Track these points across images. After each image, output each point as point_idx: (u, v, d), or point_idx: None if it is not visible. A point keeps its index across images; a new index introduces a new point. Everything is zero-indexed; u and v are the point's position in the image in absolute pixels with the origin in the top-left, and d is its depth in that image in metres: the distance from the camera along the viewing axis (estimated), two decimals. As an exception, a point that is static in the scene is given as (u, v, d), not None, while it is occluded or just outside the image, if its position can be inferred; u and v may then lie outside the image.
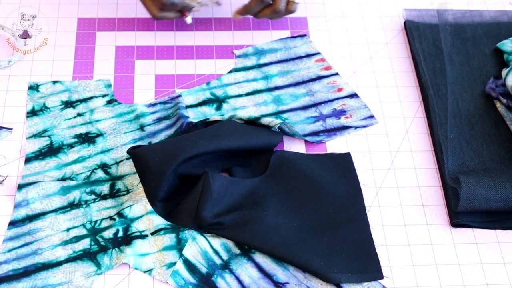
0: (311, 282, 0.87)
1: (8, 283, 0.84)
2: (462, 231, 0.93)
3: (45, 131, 0.98)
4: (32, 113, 1.00)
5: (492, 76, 1.07)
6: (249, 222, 0.89)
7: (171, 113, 1.01)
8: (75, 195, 0.92)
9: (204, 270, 0.87)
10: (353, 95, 1.06)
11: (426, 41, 1.11)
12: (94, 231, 0.89)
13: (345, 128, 1.02)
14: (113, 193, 0.93)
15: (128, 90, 1.04)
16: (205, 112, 1.02)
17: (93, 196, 0.92)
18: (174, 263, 0.87)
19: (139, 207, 0.90)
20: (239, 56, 1.09)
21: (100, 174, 0.95)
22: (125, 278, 0.86)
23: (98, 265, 0.86)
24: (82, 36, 1.10)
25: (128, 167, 0.95)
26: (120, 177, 0.94)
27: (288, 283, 0.86)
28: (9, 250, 0.87)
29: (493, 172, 0.94)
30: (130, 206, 0.90)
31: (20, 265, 0.86)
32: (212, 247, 0.89)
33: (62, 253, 0.87)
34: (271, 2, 1.07)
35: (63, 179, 0.94)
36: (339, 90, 1.06)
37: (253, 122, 0.99)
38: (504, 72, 1.03)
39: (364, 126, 1.03)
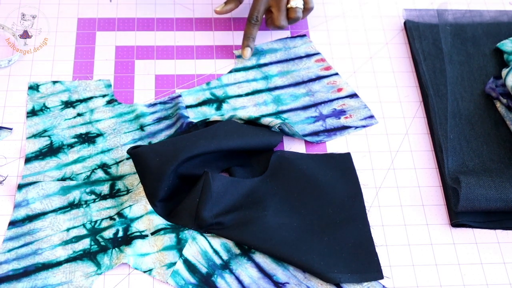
0: (311, 282, 0.87)
1: (8, 283, 0.84)
2: (462, 231, 0.93)
3: (45, 131, 0.98)
4: (32, 113, 1.00)
5: (492, 76, 1.07)
6: (249, 222, 0.89)
7: (171, 113, 1.01)
8: (75, 195, 0.92)
9: (204, 270, 0.87)
10: (353, 95, 1.06)
11: (426, 41, 1.11)
12: (94, 231, 0.89)
13: (345, 128, 1.02)
14: (113, 193, 0.93)
15: (128, 90, 1.04)
16: (205, 112, 1.02)
17: (93, 196, 0.92)
18: (174, 263, 0.87)
19: (139, 207, 0.90)
20: (239, 56, 1.09)
21: (100, 174, 0.95)
22: (125, 278, 0.86)
23: (98, 265, 0.86)
24: (82, 36, 1.10)
25: (128, 167, 0.95)
26: (120, 177, 0.94)
27: (288, 283, 0.86)
28: (9, 250, 0.87)
29: (493, 172, 0.94)
30: (130, 206, 0.90)
31: (20, 265, 0.86)
32: (212, 247, 0.89)
33: (62, 253, 0.87)
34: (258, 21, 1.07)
35: (63, 179, 0.94)
36: (339, 90, 1.06)
37: (253, 122, 0.99)
38: (504, 72, 1.03)
39: (364, 126, 1.03)
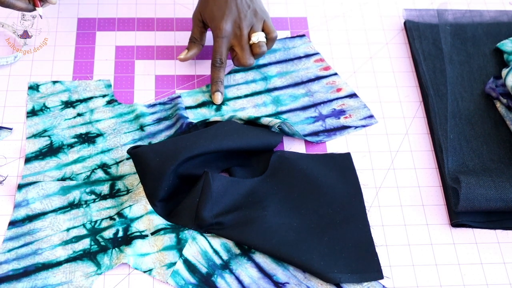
0: (311, 282, 0.87)
1: (8, 283, 0.84)
2: (462, 231, 0.93)
3: (45, 131, 0.98)
4: (32, 113, 1.00)
5: (492, 76, 1.07)
6: (249, 222, 0.89)
7: (171, 113, 1.01)
8: (75, 195, 0.92)
9: (204, 270, 0.87)
10: (352, 95, 1.06)
11: (426, 41, 1.11)
12: (94, 231, 0.89)
13: (344, 128, 1.02)
14: (113, 193, 0.93)
15: (128, 90, 1.04)
16: (205, 113, 1.02)
17: (93, 196, 0.92)
18: (174, 263, 0.87)
19: (139, 207, 0.90)
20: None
21: (100, 174, 0.95)
22: (125, 278, 0.86)
23: (98, 265, 0.86)
24: (82, 36, 1.10)
25: (128, 167, 0.95)
26: (120, 177, 0.94)
27: (288, 283, 0.86)
28: (9, 250, 0.87)
29: (493, 172, 0.94)
30: (130, 206, 0.90)
31: (20, 265, 0.86)
32: (212, 247, 0.89)
33: (62, 253, 0.87)
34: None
35: (63, 179, 0.94)
36: (338, 90, 1.06)
37: (253, 122, 0.99)
38: (504, 72, 1.03)
39: (363, 126, 1.03)
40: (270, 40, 1.05)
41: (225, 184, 0.91)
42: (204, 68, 1.08)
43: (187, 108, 1.02)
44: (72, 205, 0.91)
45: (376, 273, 0.87)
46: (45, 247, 0.87)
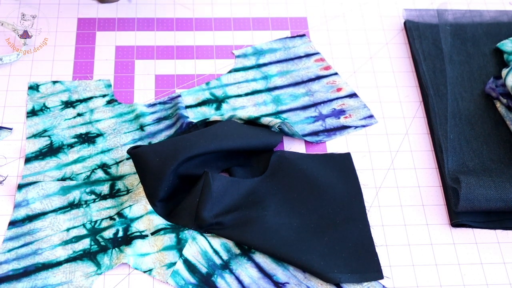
0: (311, 282, 0.87)
1: (8, 283, 0.84)
2: (462, 231, 0.93)
3: (45, 131, 0.98)
4: (32, 113, 1.00)
5: (492, 76, 1.07)
6: (249, 222, 0.89)
7: (171, 113, 1.01)
8: (75, 195, 0.92)
9: (204, 270, 0.87)
10: (353, 95, 1.06)
11: (426, 41, 1.11)
12: (94, 231, 0.89)
13: (344, 128, 1.02)
14: (113, 193, 0.93)
15: (128, 90, 1.04)
16: (205, 112, 1.02)
17: (93, 196, 0.92)
18: (174, 263, 0.87)
19: (139, 207, 0.90)
20: (238, 56, 1.09)
21: (100, 174, 0.95)
22: (125, 278, 0.86)
23: (98, 265, 0.86)
24: (82, 36, 1.10)
25: (128, 167, 0.95)
26: (120, 177, 0.94)
27: (288, 283, 0.86)
28: (9, 250, 0.87)
29: (493, 172, 0.94)
30: (130, 206, 0.90)
31: (20, 265, 0.86)
32: (212, 247, 0.89)
33: (62, 253, 0.87)
34: None
35: (63, 179, 0.94)
36: (339, 90, 1.06)
37: (253, 122, 0.99)
38: (504, 72, 1.03)
39: (363, 126, 1.03)
40: None
41: (225, 184, 0.91)
42: (204, 67, 1.08)
43: (187, 107, 1.02)
44: (72, 205, 0.91)
45: (376, 273, 0.87)
46: (45, 247, 0.87)
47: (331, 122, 1.02)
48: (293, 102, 1.05)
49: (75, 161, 0.96)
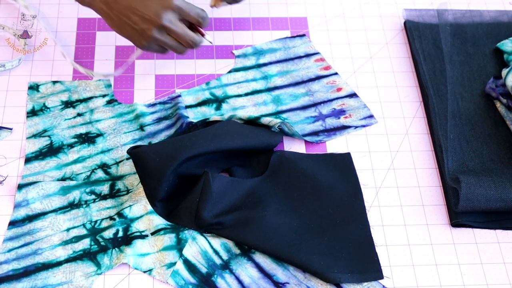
0: (311, 282, 0.87)
1: (8, 283, 0.84)
2: (462, 231, 0.93)
3: (45, 131, 0.98)
4: (32, 113, 1.00)
5: (492, 76, 1.07)
6: (249, 222, 0.89)
7: (171, 113, 1.01)
8: (75, 195, 0.92)
9: (204, 270, 0.87)
10: (353, 95, 1.06)
11: (426, 41, 1.11)
12: (94, 231, 0.89)
13: (344, 128, 1.02)
14: (113, 193, 0.93)
15: (128, 90, 1.04)
16: (205, 112, 1.02)
17: (93, 196, 0.92)
18: (174, 263, 0.87)
19: (139, 207, 0.90)
20: (238, 56, 1.09)
21: (100, 174, 0.95)
22: (125, 278, 0.86)
23: (98, 265, 0.86)
24: (82, 36, 1.10)
25: (128, 167, 0.95)
26: (120, 177, 0.94)
27: (288, 283, 0.86)
28: (9, 250, 0.87)
29: (493, 172, 0.94)
30: (130, 206, 0.90)
31: (20, 265, 0.86)
32: (212, 247, 0.89)
33: (62, 253, 0.87)
34: None
35: (63, 179, 0.94)
36: (339, 89, 1.06)
37: (253, 122, 0.99)
38: (504, 72, 1.03)
39: (363, 126, 1.03)
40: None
41: (225, 184, 0.91)
42: (204, 67, 1.08)
43: (187, 107, 1.02)
44: (72, 205, 0.91)
45: (376, 273, 0.87)
46: (45, 247, 0.87)
47: (331, 122, 1.02)
48: (293, 102, 1.05)
49: (75, 161, 0.96)
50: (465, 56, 1.10)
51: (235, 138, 0.93)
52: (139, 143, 0.98)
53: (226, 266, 0.87)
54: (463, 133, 1.00)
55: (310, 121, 1.02)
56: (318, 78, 1.08)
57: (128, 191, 0.93)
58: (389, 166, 0.99)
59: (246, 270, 0.87)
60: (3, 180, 0.93)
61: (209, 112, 1.02)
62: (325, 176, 0.95)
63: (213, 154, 0.93)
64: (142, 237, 0.88)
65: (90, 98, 1.02)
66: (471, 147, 0.99)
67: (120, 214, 0.90)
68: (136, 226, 0.89)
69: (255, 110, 1.03)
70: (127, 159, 0.96)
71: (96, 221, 0.90)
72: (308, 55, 1.10)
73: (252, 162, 0.97)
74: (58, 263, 0.86)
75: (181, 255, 0.87)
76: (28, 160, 0.95)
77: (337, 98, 1.05)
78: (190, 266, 0.87)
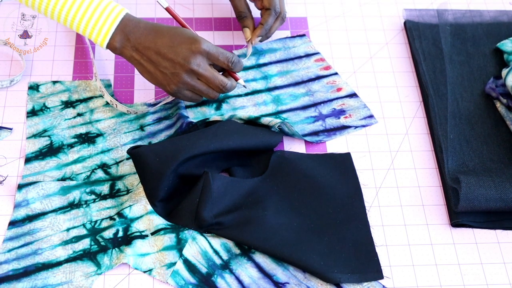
0: (311, 282, 0.87)
1: (8, 283, 0.84)
2: (462, 231, 0.93)
3: (45, 131, 0.98)
4: (32, 113, 1.00)
5: (492, 76, 1.07)
6: (249, 222, 0.89)
7: (171, 113, 1.01)
8: (75, 195, 0.92)
9: (204, 270, 0.87)
10: (353, 95, 1.06)
11: (426, 41, 1.11)
12: (94, 231, 0.89)
13: (344, 127, 1.02)
14: (113, 193, 0.93)
15: (128, 90, 1.04)
16: (205, 112, 1.02)
17: (93, 196, 0.92)
18: (174, 263, 0.87)
19: (139, 207, 0.90)
20: (239, 56, 1.09)
21: (100, 174, 0.95)
22: (125, 278, 0.86)
23: (98, 265, 0.86)
24: (82, 36, 1.10)
25: (128, 167, 0.95)
26: (120, 177, 0.94)
27: (288, 283, 0.86)
28: (9, 250, 0.87)
29: (493, 172, 0.94)
30: (130, 206, 0.90)
31: (20, 265, 0.86)
32: (212, 247, 0.89)
33: (62, 253, 0.87)
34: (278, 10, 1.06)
35: (63, 179, 0.94)
36: (339, 89, 1.06)
37: (253, 122, 0.99)
38: (504, 72, 1.03)
39: (363, 126, 1.03)
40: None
41: (225, 184, 0.91)
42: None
43: (187, 107, 1.02)
44: (72, 205, 0.91)
45: (376, 273, 0.87)
46: (45, 247, 0.87)
47: (331, 122, 1.02)
48: (293, 102, 1.05)
49: (75, 161, 0.96)
50: (465, 56, 1.10)
51: (235, 138, 0.93)
52: (139, 143, 0.98)
53: (226, 266, 0.87)
54: (463, 133, 1.00)
55: (310, 121, 1.02)
56: (318, 78, 1.08)
57: (128, 191, 0.93)
58: (389, 166, 0.99)
59: (246, 270, 0.87)
60: (3, 180, 0.93)
61: (209, 112, 1.02)
62: (325, 176, 0.95)
63: (213, 154, 0.93)
64: (142, 237, 0.88)
65: (90, 98, 1.02)
66: (471, 147, 0.99)
67: (120, 214, 0.90)
68: (136, 226, 0.89)
69: (255, 110, 1.03)
70: (127, 159, 0.96)
71: (96, 221, 0.90)
72: (308, 55, 1.10)
73: (252, 162, 0.97)
74: (58, 263, 0.86)
75: (181, 255, 0.87)
76: (28, 160, 0.95)
77: (337, 98, 1.05)
78: (190, 266, 0.87)
